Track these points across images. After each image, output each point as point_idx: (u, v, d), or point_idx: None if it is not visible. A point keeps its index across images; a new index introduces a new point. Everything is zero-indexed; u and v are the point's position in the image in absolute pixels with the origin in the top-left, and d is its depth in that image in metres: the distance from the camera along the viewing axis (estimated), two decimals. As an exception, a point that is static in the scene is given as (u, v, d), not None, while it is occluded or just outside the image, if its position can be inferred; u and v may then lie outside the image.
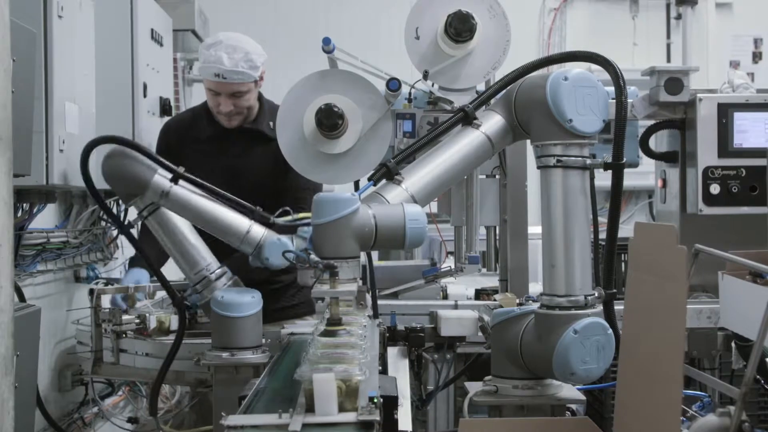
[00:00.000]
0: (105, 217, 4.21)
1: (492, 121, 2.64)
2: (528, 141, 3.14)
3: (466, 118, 2.62)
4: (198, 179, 2.87)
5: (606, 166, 2.52)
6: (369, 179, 2.55)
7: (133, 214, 4.43)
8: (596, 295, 2.48)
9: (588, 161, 2.49)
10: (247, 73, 3.47)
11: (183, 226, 2.96)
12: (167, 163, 2.85)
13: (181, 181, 2.85)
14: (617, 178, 2.53)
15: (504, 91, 2.69)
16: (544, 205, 2.53)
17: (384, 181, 2.61)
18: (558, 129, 2.47)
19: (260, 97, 3.67)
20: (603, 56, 2.57)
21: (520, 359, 2.50)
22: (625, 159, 2.53)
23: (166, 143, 3.78)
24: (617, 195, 2.55)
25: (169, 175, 2.84)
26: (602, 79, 2.59)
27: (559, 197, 2.48)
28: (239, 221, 2.90)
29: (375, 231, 2.32)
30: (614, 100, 2.54)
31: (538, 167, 2.54)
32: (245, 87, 3.50)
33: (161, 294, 3.79)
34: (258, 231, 2.90)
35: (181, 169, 2.84)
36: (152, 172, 2.85)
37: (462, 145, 2.61)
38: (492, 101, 2.75)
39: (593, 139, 2.52)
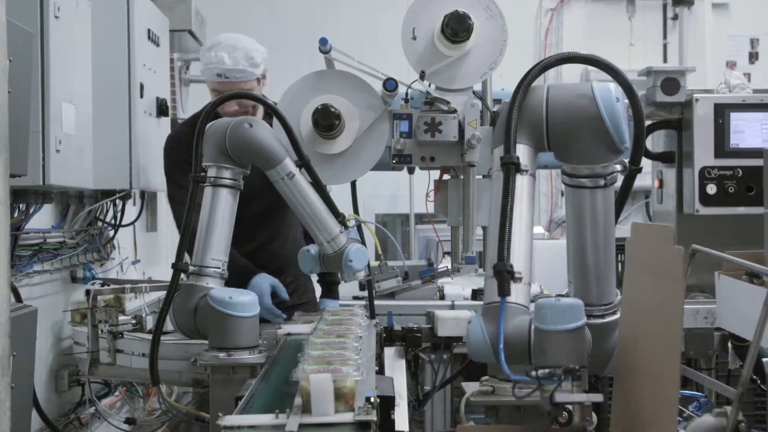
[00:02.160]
0: (102, 217, 4.22)
1: (524, 156, 2.45)
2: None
3: (518, 169, 2.42)
4: (316, 173, 2.92)
5: (628, 171, 2.52)
6: (501, 294, 2.29)
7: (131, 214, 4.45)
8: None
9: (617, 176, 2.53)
10: (248, 71, 3.53)
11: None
12: (301, 149, 2.91)
13: (302, 170, 2.91)
14: (630, 182, 2.54)
15: (520, 115, 2.47)
16: (581, 220, 2.50)
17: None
18: (610, 152, 2.41)
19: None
20: (608, 63, 2.47)
21: None
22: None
23: (178, 157, 3.63)
24: (626, 197, 2.56)
25: (293, 160, 2.90)
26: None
27: (603, 212, 2.48)
28: (333, 223, 2.95)
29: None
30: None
31: (571, 186, 2.49)
32: (248, 85, 3.56)
33: (157, 294, 3.79)
34: (342, 239, 2.96)
35: (308, 158, 2.92)
36: (285, 154, 2.89)
37: (523, 202, 2.43)
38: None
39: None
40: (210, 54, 3.53)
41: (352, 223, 3.02)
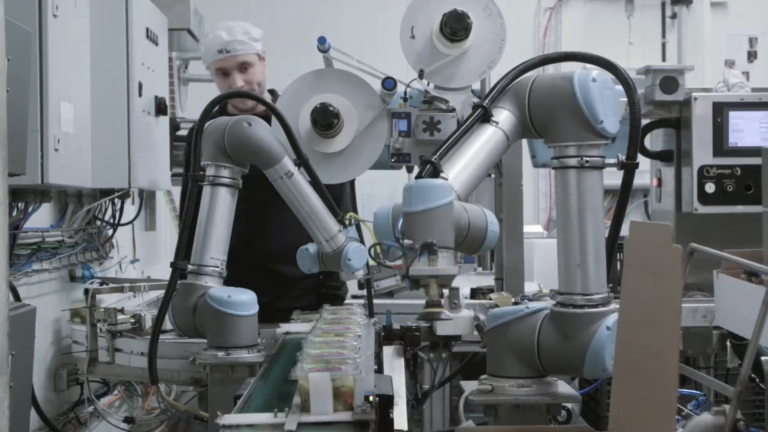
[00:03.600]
0: (100, 216, 4.22)
1: (503, 117, 2.60)
2: (523, 140, 3.14)
3: (485, 115, 2.59)
4: (315, 172, 2.93)
5: (622, 166, 2.53)
6: (417, 177, 2.47)
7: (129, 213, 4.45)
8: (610, 291, 2.50)
9: (603, 161, 2.51)
10: (248, 43, 3.59)
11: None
12: (300, 148, 2.92)
13: (301, 169, 2.92)
14: (629, 177, 2.56)
15: (511, 87, 2.64)
16: (566, 204, 2.51)
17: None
18: (586, 130, 2.46)
19: (273, 92, 3.77)
20: (606, 59, 2.56)
21: (535, 358, 2.49)
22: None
23: None
24: (627, 193, 2.57)
25: (294, 159, 2.91)
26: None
27: (587, 196, 2.48)
28: (332, 222, 2.95)
29: (468, 226, 2.36)
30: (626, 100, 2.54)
31: (557, 168, 2.52)
32: (250, 58, 3.61)
33: (156, 293, 3.79)
34: (341, 238, 2.97)
35: (306, 157, 2.93)
36: (283, 152, 2.90)
37: (484, 141, 2.56)
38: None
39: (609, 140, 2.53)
40: (208, 39, 3.61)
41: (351, 222, 3.02)
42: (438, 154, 2.51)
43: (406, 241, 2.22)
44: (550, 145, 2.56)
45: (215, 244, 2.91)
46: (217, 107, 3.61)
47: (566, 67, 2.74)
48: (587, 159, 2.47)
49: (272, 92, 3.76)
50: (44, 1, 3.08)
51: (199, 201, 2.95)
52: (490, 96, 2.59)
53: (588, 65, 2.61)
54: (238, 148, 2.89)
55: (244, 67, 3.60)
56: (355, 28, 7.90)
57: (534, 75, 2.59)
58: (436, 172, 2.46)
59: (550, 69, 3.54)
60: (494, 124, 2.59)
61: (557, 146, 2.53)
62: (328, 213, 2.94)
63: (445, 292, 2.25)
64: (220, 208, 2.92)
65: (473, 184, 2.58)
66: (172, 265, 2.85)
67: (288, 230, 3.56)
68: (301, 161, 2.91)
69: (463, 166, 2.53)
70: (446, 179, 2.45)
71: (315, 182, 2.94)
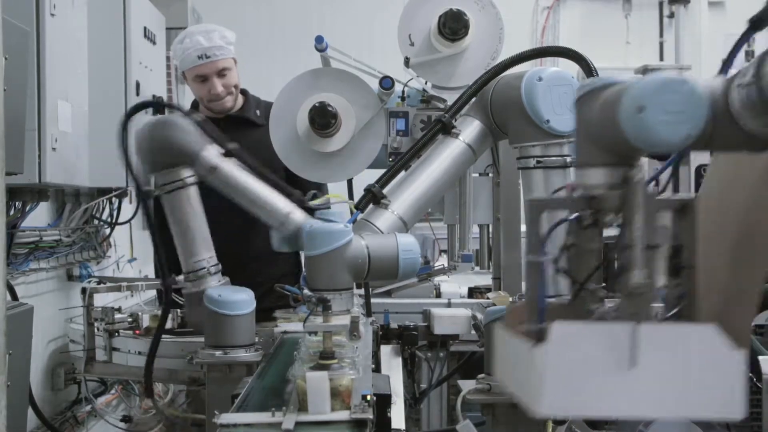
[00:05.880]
0: (98, 215, 4.22)
1: (471, 128, 2.58)
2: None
3: (445, 128, 2.56)
4: (247, 158, 2.80)
5: None
6: (356, 207, 2.47)
7: (127, 213, 4.45)
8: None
9: (568, 159, 2.46)
10: (226, 47, 3.61)
11: (197, 215, 2.93)
12: (221, 137, 2.79)
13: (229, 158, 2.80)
14: None
15: (479, 93, 2.62)
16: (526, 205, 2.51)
17: (371, 206, 2.54)
18: (535, 130, 2.43)
19: (245, 92, 3.80)
20: (575, 50, 2.50)
21: None
22: None
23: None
24: None
25: (217, 150, 2.76)
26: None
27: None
28: (282, 203, 2.83)
29: (368, 262, 2.31)
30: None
31: (519, 168, 2.50)
32: (228, 63, 3.64)
33: (154, 292, 3.78)
34: (298, 215, 2.80)
35: (232, 145, 2.77)
36: (201, 146, 2.78)
37: (443, 157, 2.55)
38: (467, 106, 2.68)
39: (572, 138, 2.48)
40: (184, 42, 3.60)
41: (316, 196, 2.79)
42: (378, 182, 2.51)
43: (306, 292, 2.21)
44: (513, 146, 2.54)
45: (202, 244, 2.89)
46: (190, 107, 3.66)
47: (564, 63, 2.72)
48: (539, 159, 2.44)
49: (244, 92, 3.80)
50: (42, 1, 3.08)
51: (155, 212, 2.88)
52: (452, 108, 2.57)
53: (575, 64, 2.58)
54: (159, 151, 2.84)
55: (222, 72, 3.62)
56: (352, 27, 7.90)
57: (497, 79, 2.57)
58: (376, 200, 2.46)
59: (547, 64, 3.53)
60: (455, 136, 2.57)
61: (517, 147, 2.50)
62: (277, 194, 2.77)
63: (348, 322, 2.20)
64: (194, 208, 2.89)
65: (424, 205, 2.56)
66: (163, 284, 2.80)
67: (264, 229, 3.54)
68: (228, 152, 2.82)
69: (413, 189, 2.53)
70: (387, 205, 2.47)
71: (254, 168, 2.79)
